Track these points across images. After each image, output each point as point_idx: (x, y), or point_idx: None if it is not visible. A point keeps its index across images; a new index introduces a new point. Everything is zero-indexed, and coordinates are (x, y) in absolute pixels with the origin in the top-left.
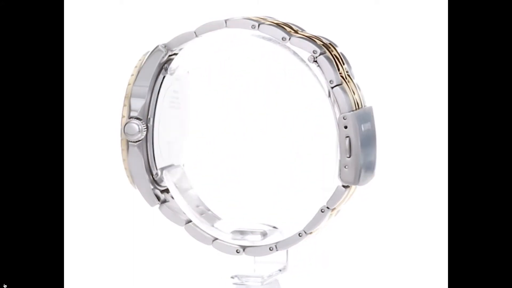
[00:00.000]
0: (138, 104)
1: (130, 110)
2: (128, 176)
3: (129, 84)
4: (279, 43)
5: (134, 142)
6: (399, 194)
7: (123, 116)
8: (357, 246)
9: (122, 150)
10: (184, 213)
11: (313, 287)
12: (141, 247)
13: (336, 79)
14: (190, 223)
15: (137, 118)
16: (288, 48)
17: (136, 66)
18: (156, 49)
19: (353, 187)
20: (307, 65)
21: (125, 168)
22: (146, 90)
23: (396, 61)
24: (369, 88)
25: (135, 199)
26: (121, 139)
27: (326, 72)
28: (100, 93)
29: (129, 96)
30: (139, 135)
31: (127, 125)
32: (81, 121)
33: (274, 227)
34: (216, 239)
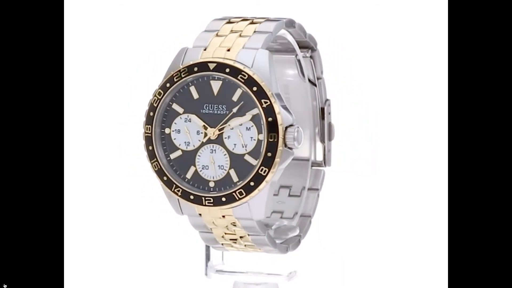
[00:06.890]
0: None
1: (292, 117)
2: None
3: (269, 92)
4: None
5: (292, 150)
6: (398, 192)
7: (280, 124)
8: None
9: (276, 162)
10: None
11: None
12: (141, 247)
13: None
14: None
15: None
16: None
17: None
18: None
19: None
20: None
21: (266, 181)
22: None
23: (393, 60)
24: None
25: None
26: (279, 149)
27: (318, 63)
28: (100, 94)
29: (278, 104)
30: None
31: (298, 132)
32: (81, 122)
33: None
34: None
